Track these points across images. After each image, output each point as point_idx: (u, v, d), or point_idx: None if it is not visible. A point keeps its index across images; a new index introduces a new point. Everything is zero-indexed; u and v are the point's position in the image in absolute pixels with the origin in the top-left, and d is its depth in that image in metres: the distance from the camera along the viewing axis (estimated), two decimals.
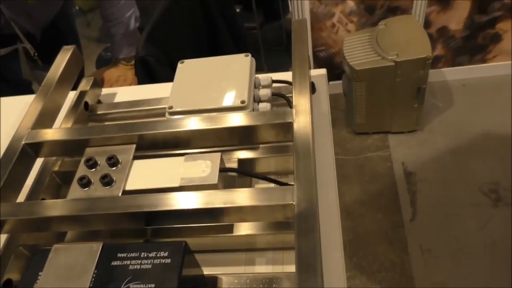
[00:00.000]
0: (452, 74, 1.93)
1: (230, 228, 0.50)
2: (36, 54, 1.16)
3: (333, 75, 1.92)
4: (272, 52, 2.13)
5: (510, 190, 1.57)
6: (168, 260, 0.42)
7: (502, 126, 1.75)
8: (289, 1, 1.97)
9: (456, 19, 1.71)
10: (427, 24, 1.72)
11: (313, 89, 0.67)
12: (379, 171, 1.74)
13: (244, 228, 0.50)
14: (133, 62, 1.27)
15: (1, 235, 0.49)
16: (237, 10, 1.60)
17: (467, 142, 1.75)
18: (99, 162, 0.51)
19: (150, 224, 0.49)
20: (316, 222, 0.40)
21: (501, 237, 1.45)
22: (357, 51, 1.59)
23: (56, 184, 0.59)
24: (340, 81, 1.88)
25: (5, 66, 1.15)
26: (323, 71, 0.69)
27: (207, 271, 0.47)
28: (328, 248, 0.49)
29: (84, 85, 0.69)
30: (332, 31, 1.77)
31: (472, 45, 1.81)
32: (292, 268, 0.48)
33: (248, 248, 0.51)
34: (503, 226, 1.48)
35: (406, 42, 1.55)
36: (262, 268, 0.50)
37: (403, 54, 1.51)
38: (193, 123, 0.51)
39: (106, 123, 0.68)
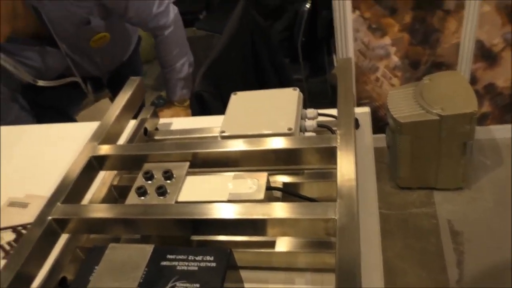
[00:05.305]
0: (500, 131, 1.89)
1: (272, 245, 0.52)
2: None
3: (376, 128, 1.93)
4: (317, 104, 2.19)
5: None
6: (214, 264, 0.44)
7: None
8: (334, 57, 2.05)
9: (504, 76, 1.71)
10: (473, 81, 1.73)
11: (356, 124, 0.70)
12: (424, 228, 1.68)
13: (285, 246, 0.51)
14: (185, 103, 1.37)
15: (62, 235, 0.53)
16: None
17: None
18: (155, 176, 0.56)
19: (196, 234, 0.52)
20: (357, 236, 0.42)
21: None
22: (402, 104, 1.61)
23: (113, 197, 0.64)
24: (383, 135, 1.88)
25: (65, 98, 1.26)
26: (366, 109, 0.72)
27: (248, 286, 0.49)
28: (367, 267, 0.49)
29: (144, 113, 0.76)
30: (376, 84, 1.81)
31: None
32: None
33: (288, 268, 0.53)
34: None
35: (451, 97, 1.55)
36: None
37: (449, 109, 1.51)
38: (242, 145, 0.55)
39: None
